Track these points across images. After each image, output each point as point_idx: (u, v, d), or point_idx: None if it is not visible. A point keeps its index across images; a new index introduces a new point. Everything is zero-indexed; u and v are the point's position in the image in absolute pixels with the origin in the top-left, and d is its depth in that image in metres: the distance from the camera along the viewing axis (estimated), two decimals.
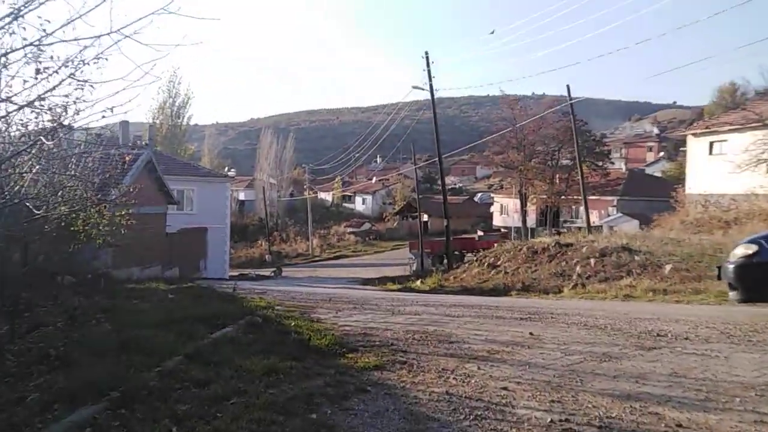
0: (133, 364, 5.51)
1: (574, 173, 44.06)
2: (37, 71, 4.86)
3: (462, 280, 21.62)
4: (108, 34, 4.53)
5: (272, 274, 37.04)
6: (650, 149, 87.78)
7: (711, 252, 15.69)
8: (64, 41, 4.61)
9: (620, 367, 5.67)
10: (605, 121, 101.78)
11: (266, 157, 74.23)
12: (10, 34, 4.57)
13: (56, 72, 4.92)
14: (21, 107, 5.00)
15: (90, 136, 7.71)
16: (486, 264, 22.10)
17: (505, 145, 50.46)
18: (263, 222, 61.34)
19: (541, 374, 5.47)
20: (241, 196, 77.07)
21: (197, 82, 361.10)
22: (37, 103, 4.99)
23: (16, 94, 4.96)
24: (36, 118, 5.29)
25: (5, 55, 4.71)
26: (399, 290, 21.09)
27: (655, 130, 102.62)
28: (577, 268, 17.48)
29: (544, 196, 49.51)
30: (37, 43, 4.63)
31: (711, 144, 28.98)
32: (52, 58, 4.83)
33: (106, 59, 4.93)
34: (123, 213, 11.48)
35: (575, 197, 44.36)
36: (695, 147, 30.51)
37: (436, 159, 32.46)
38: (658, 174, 62.54)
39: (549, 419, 4.21)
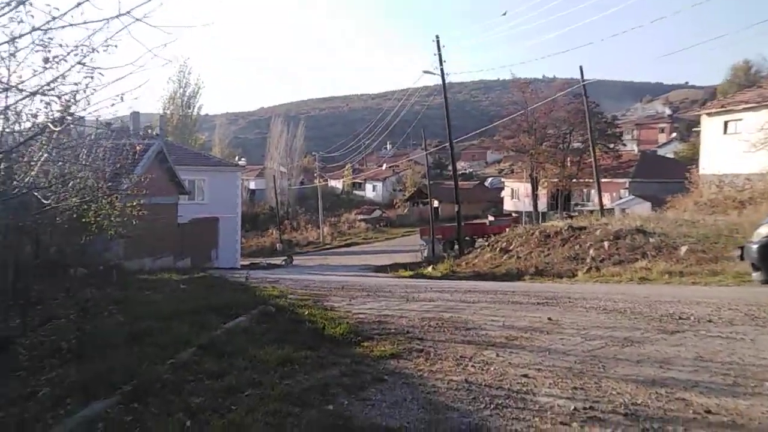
0: (146, 356, 5.47)
1: (586, 156, 43.76)
2: (46, 60, 4.77)
3: (474, 265, 21.48)
4: (117, 16, 4.42)
5: (283, 262, 37.02)
6: (662, 130, 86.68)
7: (727, 233, 15.47)
8: (72, 25, 4.50)
9: (643, 351, 5.52)
10: (616, 102, 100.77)
11: (276, 145, 74.07)
12: (18, 22, 4.47)
13: (65, 59, 4.82)
14: (29, 95, 4.91)
15: (100, 126, 7.64)
16: (498, 249, 21.93)
17: (515, 129, 50.17)
18: (274, 211, 61.39)
19: (562, 360, 5.34)
20: (252, 185, 77.08)
21: (206, 74, 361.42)
22: (46, 90, 4.89)
23: (23, 81, 4.87)
24: (45, 107, 5.21)
25: (12, 40, 4.60)
26: (411, 277, 20.96)
27: (668, 111, 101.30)
28: (591, 252, 17.29)
29: (556, 180, 49.20)
30: (45, 28, 4.52)
31: (725, 123, 28.52)
32: (61, 45, 4.74)
33: (116, 46, 4.83)
34: (134, 204, 11.47)
35: (587, 180, 44.04)
36: (709, 127, 30.05)
37: (447, 144, 32.19)
38: (671, 155, 61.89)
39: (572, 407, 4.08)
